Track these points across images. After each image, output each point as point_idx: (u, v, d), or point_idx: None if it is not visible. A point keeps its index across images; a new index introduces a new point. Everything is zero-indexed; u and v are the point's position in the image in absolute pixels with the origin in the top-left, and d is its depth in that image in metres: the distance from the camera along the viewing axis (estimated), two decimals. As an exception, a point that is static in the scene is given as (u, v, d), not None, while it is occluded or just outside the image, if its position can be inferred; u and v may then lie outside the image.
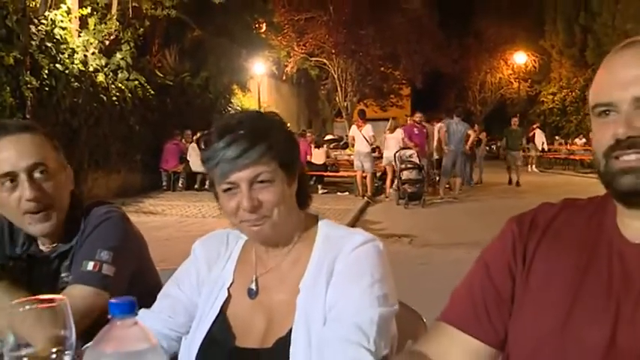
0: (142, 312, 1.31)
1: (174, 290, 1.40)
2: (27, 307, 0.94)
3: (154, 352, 0.73)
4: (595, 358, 0.96)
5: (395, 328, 1.32)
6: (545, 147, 20.54)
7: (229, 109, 18.00)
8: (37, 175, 1.54)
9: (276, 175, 1.26)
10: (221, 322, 1.32)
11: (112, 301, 0.74)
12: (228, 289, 1.36)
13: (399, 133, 12.65)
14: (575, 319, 1.00)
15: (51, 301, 0.95)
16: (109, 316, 0.74)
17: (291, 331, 1.24)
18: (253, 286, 1.35)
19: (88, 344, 1.01)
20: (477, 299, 1.12)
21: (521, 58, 26.82)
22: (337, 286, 1.25)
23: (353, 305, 1.21)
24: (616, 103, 0.99)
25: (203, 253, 1.42)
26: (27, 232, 1.64)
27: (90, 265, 1.52)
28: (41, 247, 1.66)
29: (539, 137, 20.12)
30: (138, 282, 1.62)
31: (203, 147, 1.29)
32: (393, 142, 12.60)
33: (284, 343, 1.24)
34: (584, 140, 21.26)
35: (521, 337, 1.07)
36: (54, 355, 0.93)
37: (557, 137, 23.47)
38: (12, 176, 1.52)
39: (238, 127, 1.27)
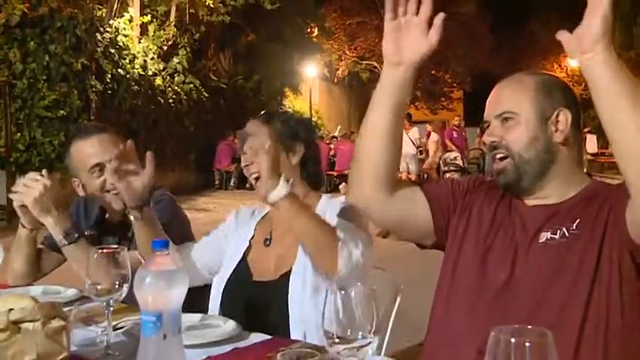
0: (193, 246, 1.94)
1: (211, 240, 1.95)
2: (100, 252, 1.39)
3: (180, 272, 1.15)
4: (499, 284, 1.38)
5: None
6: (596, 150, 20.24)
7: (280, 111, 18.49)
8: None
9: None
10: (243, 264, 1.84)
11: (154, 240, 1.17)
12: (250, 240, 1.87)
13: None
14: (490, 258, 1.42)
15: (115, 250, 1.40)
16: (152, 249, 1.17)
17: (291, 268, 1.73)
18: (269, 237, 1.85)
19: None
20: (448, 187, 1.55)
21: (575, 61, 26.34)
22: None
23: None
24: (488, 119, 1.44)
25: (234, 218, 1.96)
26: (101, 208, 2.15)
27: None
28: (109, 219, 2.15)
29: (591, 141, 19.85)
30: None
31: None
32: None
33: (287, 275, 1.73)
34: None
35: (457, 256, 1.47)
36: (117, 286, 1.38)
37: (611, 142, 22.96)
38: (100, 166, 2.01)
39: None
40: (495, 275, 1.39)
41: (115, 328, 1.48)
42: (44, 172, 1.97)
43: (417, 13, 1.35)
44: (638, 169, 1.16)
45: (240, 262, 1.84)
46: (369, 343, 1.02)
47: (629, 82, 1.17)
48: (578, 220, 1.35)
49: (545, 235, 1.37)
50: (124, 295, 1.38)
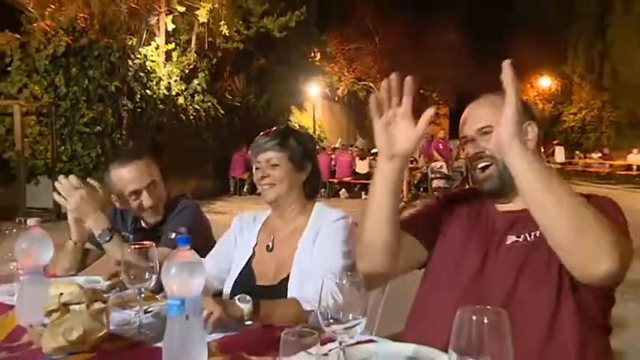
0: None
1: (219, 250, 1.92)
2: (132, 247, 1.44)
3: (199, 264, 1.20)
4: (471, 277, 1.41)
5: None
6: (564, 160, 20.28)
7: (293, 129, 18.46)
8: (151, 188, 2.09)
9: (282, 161, 1.76)
10: (247, 270, 1.80)
11: (178, 237, 1.22)
12: (254, 247, 1.83)
13: None
14: (465, 255, 1.45)
15: (146, 246, 1.45)
16: (177, 244, 1.22)
17: (289, 274, 1.70)
18: (270, 243, 1.81)
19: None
20: (424, 214, 1.60)
21: (545, 82, 26.50)
22: (320, 243, 1.71)
23: (328, 256, 1.67)
24: (467, 134, 1.47)
25: (238, 224, 1.92)
26: (135, 217, 2.21)
27: (172, 235, 2.03)
28: (144, 226, 2.20)
29: (559, 152, 19.90)
30: (203, 250, 2.13)
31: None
32: None
33: (285, 280, 1.69)
34: (599, 154, 20.87)
35: (437, 257, 1.52)
36: (147, 276, 1.43)
37: (577, 152, 23.00)
38: (137, 192, 2.07)
39: (270, 132, 1.81)
40: (469, 267, 1.42)
41: (145, 311, 1.53)
42: (89, 180, 2.03)
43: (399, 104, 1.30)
44: (573, 254, 1.14)
45: (244, 267, 1.80)
46: (359, 323, 1.07)
47: (541, 168, 1.17)
48: (539, 232, 1.34)
49: (511, 238, 1.40)
50: (152, 284, 1.43)
